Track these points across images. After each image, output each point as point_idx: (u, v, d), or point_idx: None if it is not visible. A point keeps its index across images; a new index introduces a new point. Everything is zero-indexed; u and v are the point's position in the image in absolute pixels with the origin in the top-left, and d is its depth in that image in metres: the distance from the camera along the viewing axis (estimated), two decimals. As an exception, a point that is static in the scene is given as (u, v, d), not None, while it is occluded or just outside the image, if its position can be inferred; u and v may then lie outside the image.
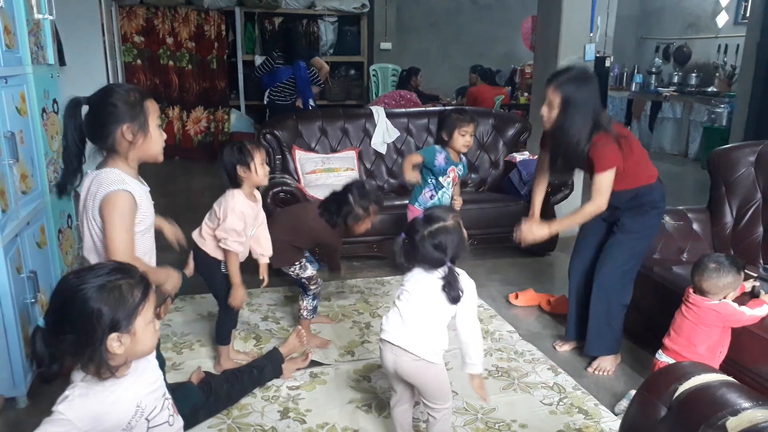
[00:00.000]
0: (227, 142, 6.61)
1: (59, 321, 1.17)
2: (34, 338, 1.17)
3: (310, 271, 2.57)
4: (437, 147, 2.86)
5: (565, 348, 2.66)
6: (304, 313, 2.61)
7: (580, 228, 2.57)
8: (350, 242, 3.44)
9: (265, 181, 2.23)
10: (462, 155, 2.92)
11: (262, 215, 2.33)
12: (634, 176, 2.31)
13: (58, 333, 1.16)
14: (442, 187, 2.85)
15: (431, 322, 1.73)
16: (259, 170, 2.17)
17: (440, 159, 2.80)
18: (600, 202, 2.24)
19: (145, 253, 1.69)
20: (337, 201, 2.47)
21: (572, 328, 2.64)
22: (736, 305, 2.03)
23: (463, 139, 2.80)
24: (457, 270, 1.72)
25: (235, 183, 2.18)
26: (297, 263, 2.54)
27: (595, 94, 2.22)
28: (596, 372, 2.44)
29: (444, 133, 2.84)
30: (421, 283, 1.74)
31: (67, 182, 1.66)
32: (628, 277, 2.40)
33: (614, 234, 2.39)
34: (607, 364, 2.45)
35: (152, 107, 1.65)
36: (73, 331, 1.15)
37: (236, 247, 2.17)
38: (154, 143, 1.66)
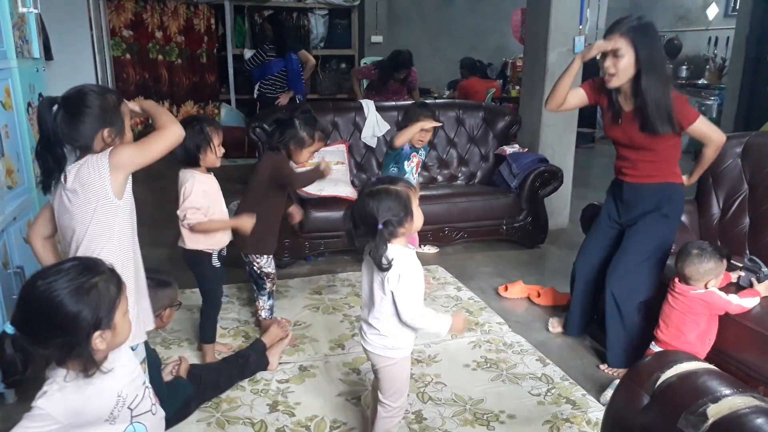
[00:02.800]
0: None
1: (41, 328, 1.15)
2: (3, 344, 1.15)
3: (272, 268, 2.57)
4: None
5: (558, 330, 2.72)
6: (263, 314, 2.60)
7: (592, 228, 2.58)
8: (340, 236, 3.44)
9: (218, 163, 2.24)
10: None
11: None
12: (667, 167, 2.28)
13: (41, 340, 1.15)
14: (405, 173, 2.91)
15: (379, 307, 1.64)
16: (217, 152, 2.22)
17: (406, 146, 2.90)
18: (718, 140, 2.24)
19: (132, 231, 1.64)
20: (282, 125, 2.44)
21: (574, 325, 2.65)
22: (722, 294, 2.06)
23: (420, 134, 2.87)
24: (400, 246, 1.62)
25: (195, 163, 2.20)
26: (266, 256, 2.53)
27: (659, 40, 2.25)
28: (607, 371, 2.40)
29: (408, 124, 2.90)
30: (366, 258, 1.68)
31: (51, 180, 1.58)
32: (638, 288, 2.31)
33: (626, 240, 2.33)
34: (620, 369, 2.38)
35: (126, 112, 1.65)
36: (59, 335, 1.14)
37: (198, 218, 2.18)
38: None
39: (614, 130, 2.33)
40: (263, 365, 2.33)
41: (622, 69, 2.13)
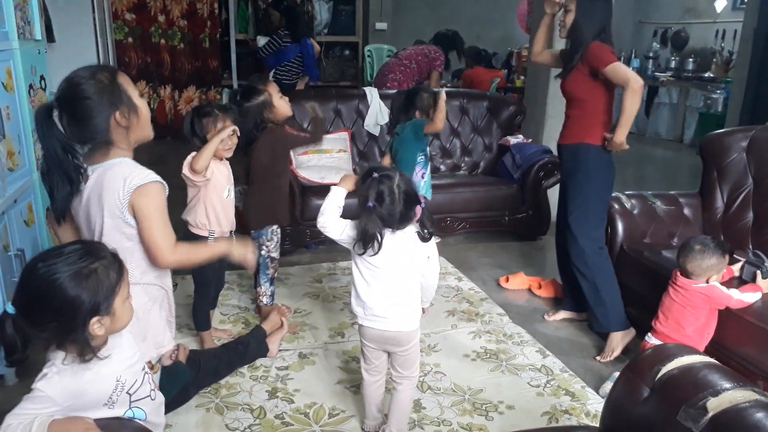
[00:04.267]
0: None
1: (38, 311, 1.15)
2: (4, 324, 1.15)
3: (278, 253, 2.59)
4: (416, 120, 2.77)
5: (554, 317, 2.76)
6: (264, 300, 2.60)
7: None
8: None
9: (229, 153, 2.21)
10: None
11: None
12: (584, 127, 2.40)
13: (38, 323, 1.15)
14: (428, 161, 2.81)
15: (410, 285, 1.76)
16: (229, 142, 2.19)
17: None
18: (633, 82, 2.24)
19: None
20: (244, 115, 2.35)
21: (567, 300, 2.78)
22: (723, 288, 2.05)
23: (441, 114, 2.72)
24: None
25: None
26: (275, 234, 2.54)
27: (606, 9, 2.38)
28: (601, 360, 2.43)
29: (419, 114, 2.79)
30: (398, 245, 1.70)
31: (66, 205, 1.47)
32: (590, 246, 2.44)
33: (567, 212, 2.51)
34: (611, 343, 2.44)
35: (125, 81, 1.51)
36: (55, 319, 1.14)
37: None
38: (145, 118, 1.54)
39: (561, 83, 2.51)
40: (263, 352, 2.33)
41: (569, 22, 2.38)
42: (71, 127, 1.43)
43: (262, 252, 2.54)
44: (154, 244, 1.47)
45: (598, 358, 2.45)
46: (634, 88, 2.24)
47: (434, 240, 1.78)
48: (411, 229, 1.72)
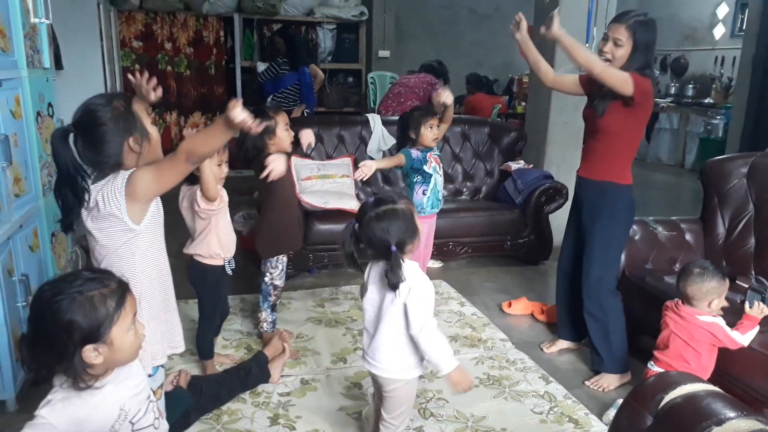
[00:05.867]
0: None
1: (35, 332, 1.16)
2: (21, 344, 1.17)
3: (282, 281, 2.58)
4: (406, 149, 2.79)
5: (552, 349, 2.70)
6: (265, 327, 2.60)
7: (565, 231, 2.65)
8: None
9: (219, 183, 2.18)
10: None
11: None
12: (612, 164, 2.32)
13: (34, 344, 1.16)
14: (430, 175, 2.77)
15: (386, 328, 1.64)
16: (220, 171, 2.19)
17: (415, 152, 2.74)
18: (598, 68, 2.14)
19: (158, 250, 1.64)
20: (242, 141, 2.31)
21: (563, 330, 2.72)
22: (728, 329, 2.01)
23: (431, 132, 2.73)
24: (409, 262, 1.63)
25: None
26: (280, 262, 2.53)
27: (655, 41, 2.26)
28: (593, 386, 2.42)
29: (411, 133, 2.76)
30: (374, 278, 1.67)
31: (73, 218, 1.53)
32: (605, 287, 2.40)
33: (585, 244, 2.43)
34: (606, 381, 2.42)
35: (139, 108, 1.59)
36: (47, 343, 1.14)
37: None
38: (155, 143, 1.61)
39: (587, 110, 2.40)
40: (265, 378, 2.32)
41: (618, 56, 2.22)
42: (86, 151, 1.51)
43: (266, 279, 2.54)
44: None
45: (587, 383, 2.44)
46: (595, 67, 2.14)
47: (417, 290, 1.60)
48: (383, 267, 1.62)
